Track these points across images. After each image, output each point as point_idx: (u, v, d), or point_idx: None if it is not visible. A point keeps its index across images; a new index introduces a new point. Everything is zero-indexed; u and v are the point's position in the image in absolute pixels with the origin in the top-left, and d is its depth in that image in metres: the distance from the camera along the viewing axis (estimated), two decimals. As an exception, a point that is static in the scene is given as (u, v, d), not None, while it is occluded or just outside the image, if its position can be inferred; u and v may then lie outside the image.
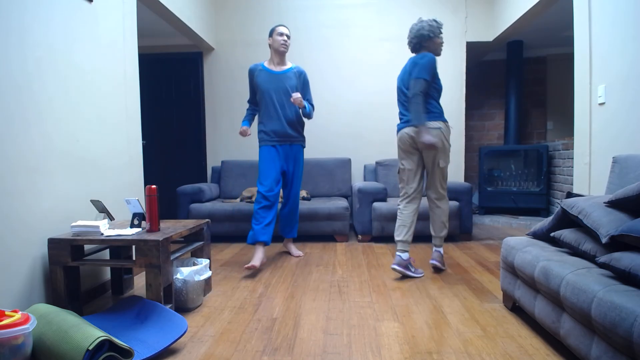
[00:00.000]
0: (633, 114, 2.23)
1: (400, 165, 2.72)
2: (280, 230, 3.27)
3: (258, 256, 2.84)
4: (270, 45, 3.06)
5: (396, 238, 2.64)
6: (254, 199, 3.92)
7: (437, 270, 2.76)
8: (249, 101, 3.19)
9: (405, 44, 4.42)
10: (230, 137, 4.70)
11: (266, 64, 3.08)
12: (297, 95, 2.91)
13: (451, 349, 1.63)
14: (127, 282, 2.43)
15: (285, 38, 3.01)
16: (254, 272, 2.81)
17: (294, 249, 3.31)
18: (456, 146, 4.55)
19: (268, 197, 2.90)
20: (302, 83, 3.10)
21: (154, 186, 1.98)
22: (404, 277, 2.62)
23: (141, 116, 2.99)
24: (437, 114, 2.62)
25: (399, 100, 2.74)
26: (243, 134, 3.02)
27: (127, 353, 1.47)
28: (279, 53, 3.04)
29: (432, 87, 2.62)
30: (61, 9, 2.08)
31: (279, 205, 3.61)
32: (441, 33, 2.65)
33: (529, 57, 5.40)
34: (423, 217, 3.61)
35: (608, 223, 1.44)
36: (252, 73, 3.08)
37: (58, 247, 1.88)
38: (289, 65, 3.10)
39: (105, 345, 1.41)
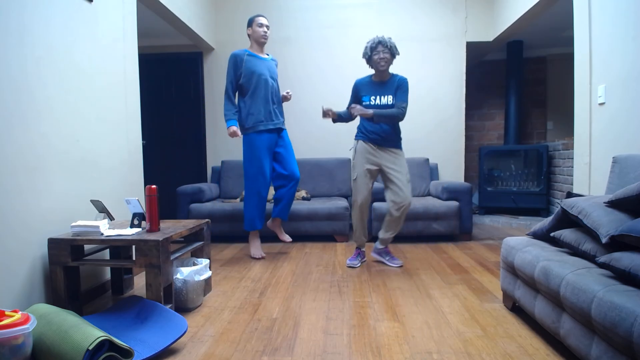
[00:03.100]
0: (633, 114, 2.23)
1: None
2: (279, 212, 3.25)
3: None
4: (249, 35, 3.11)
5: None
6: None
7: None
8: (232, 92, 3.06)
9: (405, 45, 4.42)
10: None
11: (251, 51, 3.11)
12: (290, 93, 3.19)
13: (451, 349, 1.63)
14: (127, 282, 2.43)
15: (266, 29, 3.08)
16: (254, 272, 2.81)
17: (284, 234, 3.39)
18: (456, 146, 4.55)
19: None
20: (277, 71, 3.27)
21: (154, 186, 1.98)
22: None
23: (141, 116, 2.98)
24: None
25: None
26: (234, 134, 3.01)
27: (127, 353, 1.47)
28: (260, 44, 3.09)
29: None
30: (61, 9, 2.08)
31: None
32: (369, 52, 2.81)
33: (529, 57, 5.40)
34: (417, 217, 3.63)
35: (608, 223, 1.44)
36: (239, 58, 3.03)
37: (58, 247, 1.88)
38: (266, 54, 3.21)
39: (105, 345, 1.41)
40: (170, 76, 4.90)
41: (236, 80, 3.06)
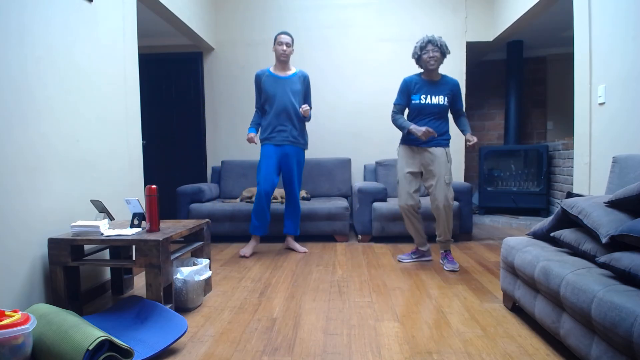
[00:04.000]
0: (633, 114, 2.23)
1: None
2: (285, 228, 3.44)
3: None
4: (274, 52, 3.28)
5: None
6: (254, 199, 3.92)
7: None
8: (257, 107, 3.34)
9: (405, 44, 4.42)
10: (230, 137, 4.70)
11: (272, 70, 3.27)
12: (306, 107, 3.17)
13: (451, 349, 1.63)
14: (127, 282, 2.43)
15: (285, 48, 3.18)
16: (254, 272, 2.81)
17: (297, 245, 3.49)
18: (456, 146, 4.54)
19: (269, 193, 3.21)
20: (306, 87, 3.31)
21: (154, 186, 1.98)
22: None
23: (141, 116, 2.98)
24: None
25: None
26: (250, 140, 3.23)
27: (127, 353, 1.47)
28: (280, 61, 3.23)
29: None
30: (61, 9, 2.08)
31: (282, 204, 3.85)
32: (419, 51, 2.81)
33: (529, 57, 5.40)
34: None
35: (608, 223, 1.44)
36: (259, 78, 3.27)
37: (58, 247, 1.88)
38: (293, 70, 3.29)
39: (105, 345, 1.41)
40: (170, 76, 4.90)
41: (259, 97, 3.30)
